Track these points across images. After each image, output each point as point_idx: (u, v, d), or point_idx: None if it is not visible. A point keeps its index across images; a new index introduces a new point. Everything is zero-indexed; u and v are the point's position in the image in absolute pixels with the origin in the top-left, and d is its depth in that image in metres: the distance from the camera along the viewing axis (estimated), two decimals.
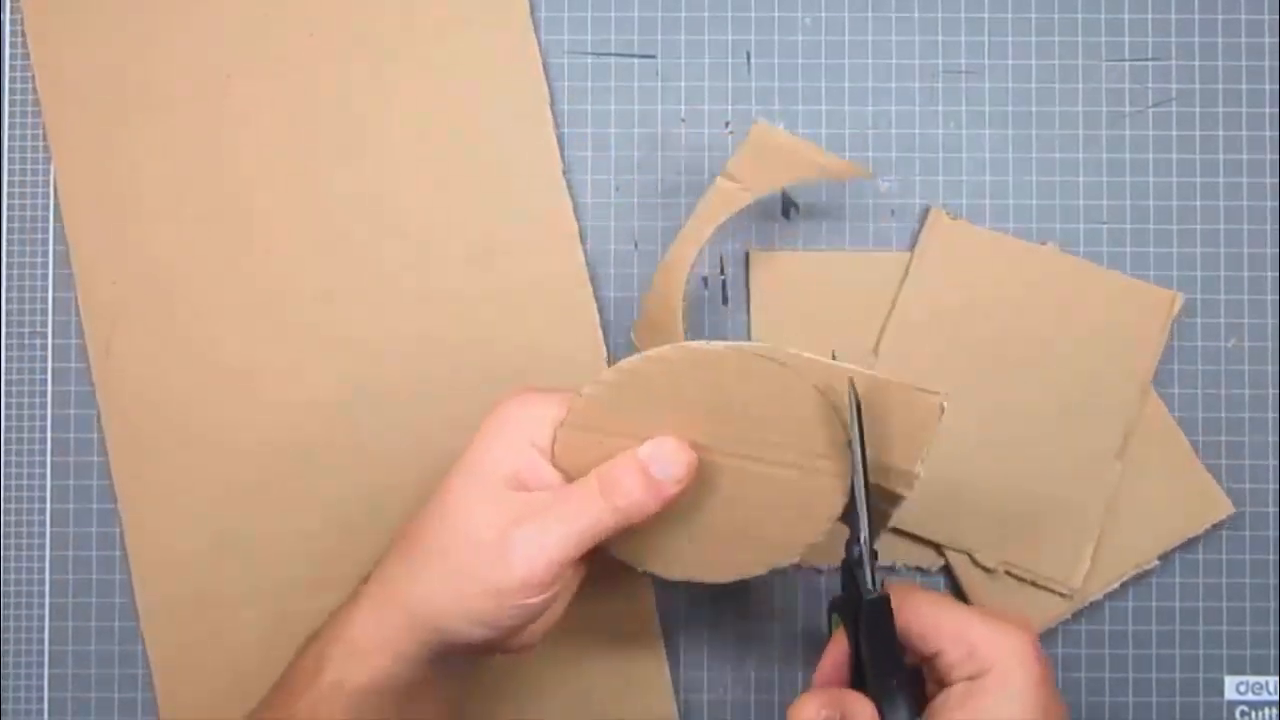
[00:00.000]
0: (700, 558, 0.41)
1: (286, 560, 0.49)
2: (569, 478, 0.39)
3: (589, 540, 0.37)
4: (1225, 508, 0.48)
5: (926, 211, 0.50)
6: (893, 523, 0.45)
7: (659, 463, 0.38)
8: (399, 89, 0.50)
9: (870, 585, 0.38)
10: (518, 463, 0.38)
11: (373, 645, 0.38)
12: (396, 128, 0.50)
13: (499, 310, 0.49)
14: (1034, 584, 0.48)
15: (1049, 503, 0.48)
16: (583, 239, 0.50)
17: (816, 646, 0.44)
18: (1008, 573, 0.48)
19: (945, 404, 0.39)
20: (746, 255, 0.50)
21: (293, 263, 0.50)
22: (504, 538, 0.37)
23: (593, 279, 0.50)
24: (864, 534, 0.38)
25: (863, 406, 0.38)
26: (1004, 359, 0.49)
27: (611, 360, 0.50)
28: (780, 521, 0.40)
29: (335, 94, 0.50)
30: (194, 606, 0.49)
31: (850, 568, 0.39)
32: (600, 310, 0.50)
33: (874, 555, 0.38)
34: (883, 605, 0.38)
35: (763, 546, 0.40)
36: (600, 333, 0.49)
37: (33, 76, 0.50)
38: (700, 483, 0.39)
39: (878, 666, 0.37)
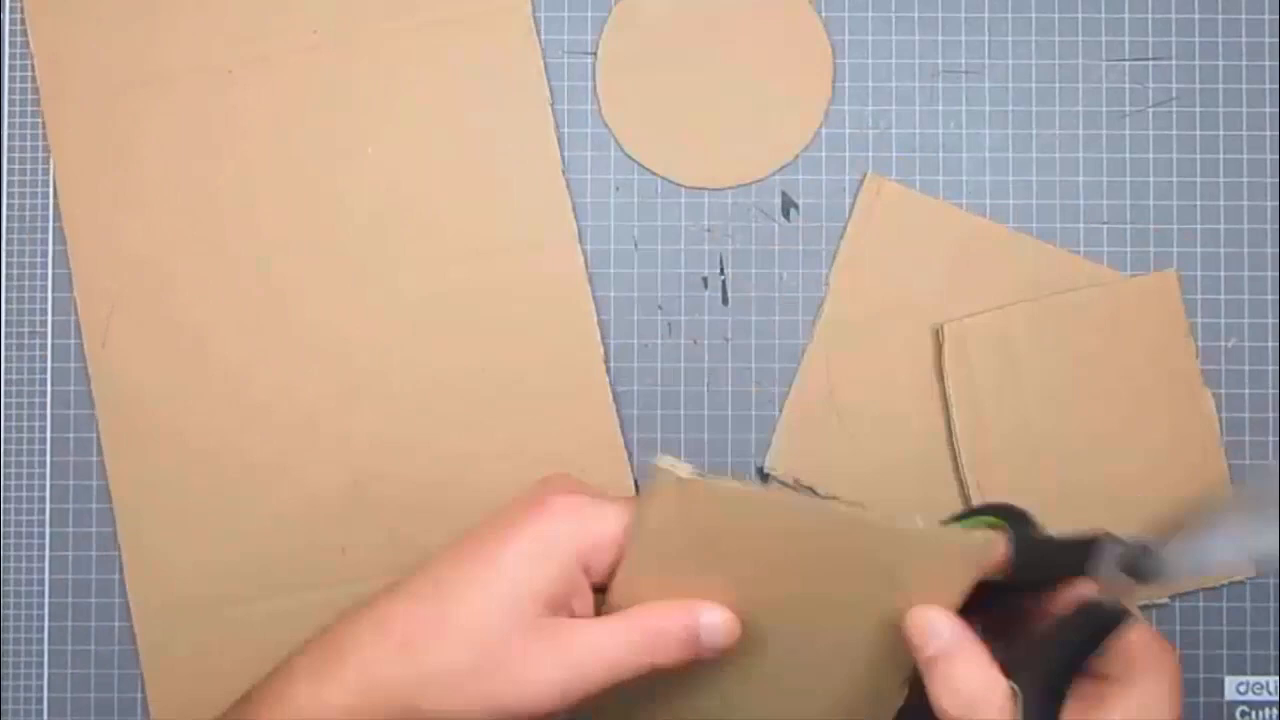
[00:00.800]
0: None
1: (275, 557, 0.49)
2: (602, 600, 0.36)
3: (612, 681, 0.35)
4: (1246, 567, 0.49)
5: (863, 178, 0.50)
6: None
7: (709, 631, 0.35)
8: (399, 87, 0.50)
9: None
10: (564, 586, 0.35)
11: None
12: (396, 125, 0.50)
13: (496, 309, 0.49)
14: None
15: None
16: (583, 239, 0.50)
17: None
18: None
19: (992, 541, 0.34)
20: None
21: (290, 257, 0.50)
22: (535, 667, 0.34)
23: (593, 279, 0.50)
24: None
25: (906, 559, 0.34)
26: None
27: (610, 364, 0.50)
28: (826, 706, 0.37)
29: (335, 89, 0.50)
30: (184, 600, 0.49)
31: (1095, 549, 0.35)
32: (600, 310, 0.50)
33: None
34: (1119, 618, 0.34)
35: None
36: (597, 334, 0.49)
37: (32, 64, 0.50)
38: (745, 643, 0.36)
39: (1059, 664, 0.34)
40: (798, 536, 0.35)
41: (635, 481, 0.49)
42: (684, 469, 0.34)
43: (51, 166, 0.50)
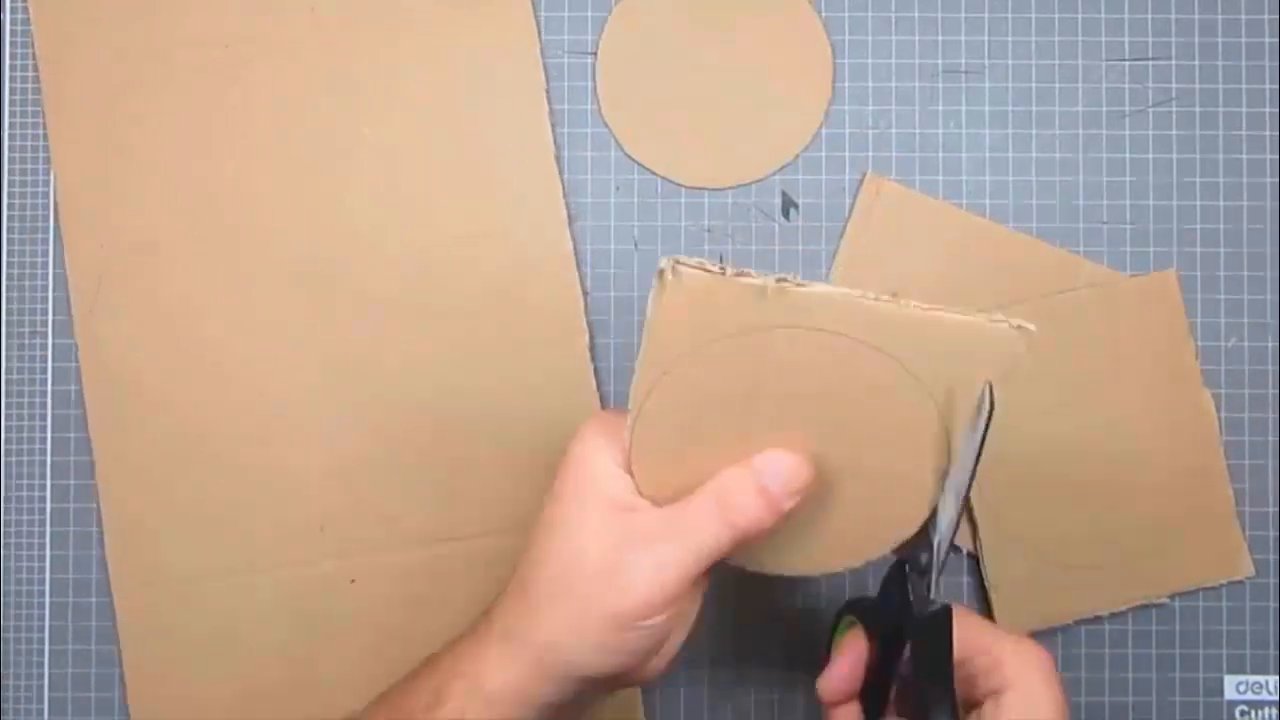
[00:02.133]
0: (791, 552, 0.39)
1: (255, 532, 0.49)
2: (661, 500, 0.37)
3: (707, 560, 0.36)
4: (1246, 569, 0.49)
5: (863, 178, 0.50)
6: None
7: (776, 478, 0.36)
8: (396, 68, 0.50)
9: (936, 594, 0.36)
10: (613, 488, 0.37)
11: (501, 687, 0.36)
12: (392, 106, 0.50)
13: (486, 293, 0.49)
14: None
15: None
16: (583, 239, 0.50)
17: (812, 649, 0.44)
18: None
19: (1032, 328, 0.35)
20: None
21: (282, 237, 0.50)
22: (620, 562, 0.35)
23: (592, 279, 0.50)
24: (940, 540, 0.36)
25: (922, 345, 0.35)
26: None
27: (610, 364, 0.50)
28: (868, 517, 0.38)
29: (332, 69, 0.50)
30: (163, 571, 0.49)
31: (900, 574, 0.37)
32: (600, 310, 0.50)
33: (944, 564, 0.37)
34: (946, 617, 0.36)
35: (852, 540, 0.38)
36: (584, 320, 0.49)
37: (33, 42, 0.50)
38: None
39: (932, 681, 0.36)
40: (805, 327, 0.35)
41: None
42: (691, 266, 0.34)
43: (52, 166, 0.50)
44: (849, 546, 0.38)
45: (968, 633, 0.37)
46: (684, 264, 0.34)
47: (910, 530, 0.37)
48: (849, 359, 0.35)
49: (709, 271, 0.34)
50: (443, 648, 0.38)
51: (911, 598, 0.37)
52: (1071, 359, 0.49)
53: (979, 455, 0.35)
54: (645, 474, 0.37)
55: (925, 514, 0.37)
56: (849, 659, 0.39)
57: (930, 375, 0.35)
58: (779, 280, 0.34)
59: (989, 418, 0.35)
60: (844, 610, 0.41)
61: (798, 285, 0.35)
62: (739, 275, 0.35)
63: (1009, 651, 0.37)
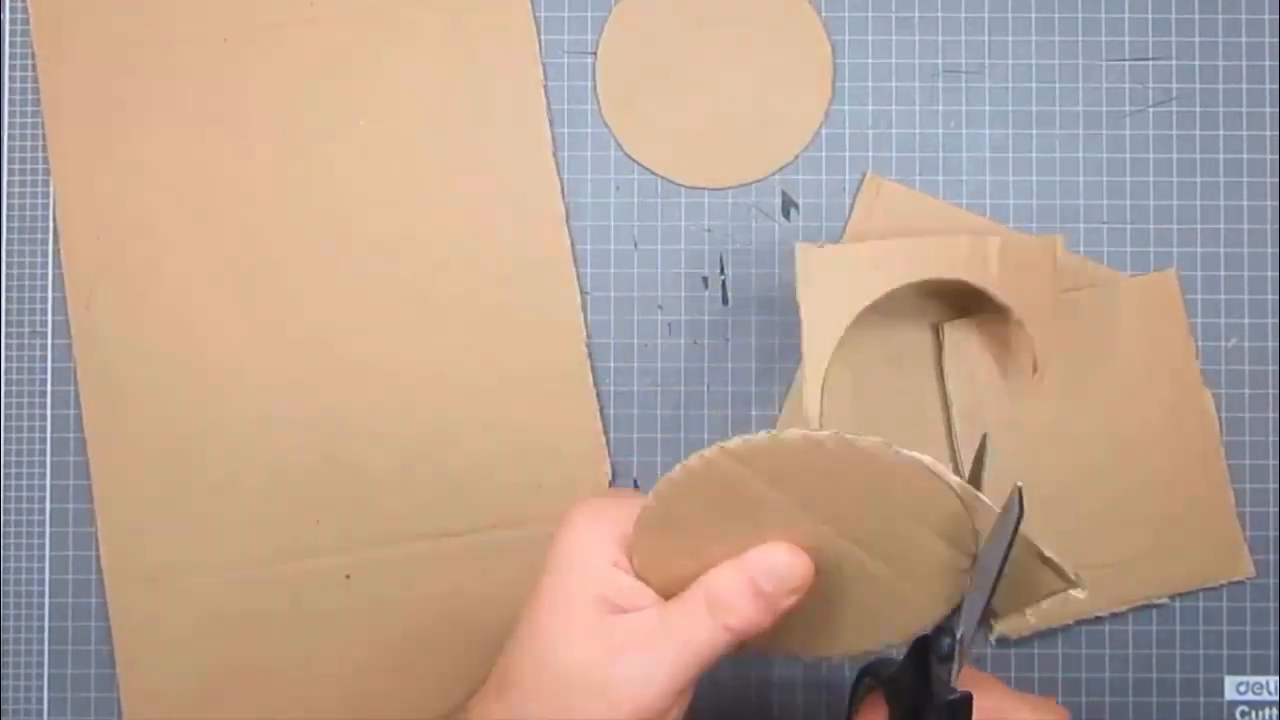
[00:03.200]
0: (797, 639, 0.37)
1: (249, 526, 0.49)
2: (660, 590, 0.35)
3: (700, 666, 0.33)
4: (1247, 569, 0.49)
5: (863, 177, 0.50)
6: None
7: (770, 575, 0.33)
8: (393, 60, 0.50)
9: (955, 682, 0.35)
10: (604, 585, 0.34)
11: None
12: (389, 99, 0.50)
13: (484, 292, 0.49)
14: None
15: None
16: (582, 239, 0.50)
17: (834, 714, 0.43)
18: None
19: (1080, 594, 0.35)
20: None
21: (276, 229, 0.50)
22: (608, 676, 0.33)
23: (591, 279, 0.50)
24: (964, 633, 0.35)
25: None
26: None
27: (610, 364, 0.50)
28: (883, 611, 0.36)
29: (329, 62, 0.50)
30: (157, 565, 0.49)
31: (922, 654, 0.36)
32: (600, 310, 0.50)
33: (964, 652, 0.35)
34: (966, 706, 0.35)
35: (866, 632, 0.36)
36: (580, 316, 0.49)
37: (31, 39, 0.50)
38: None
39: None
40: (829, 473, 0.34)
41: (611, 465, 0.49)
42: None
43: (48, 152, 0.50)
44: (861, 638, 0.37)
45: (987, 702, 0.36)
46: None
47: (925, 626, 0.36)
48: (879, 459, 0.34)
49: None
50: None
51: (932, 682, 0.35)
52: (1070, 358, 0.48)
53: (1006, 557, 0.33)
54: (646, 556, 0.35)
55: (943, 612, 0.36)
56: None
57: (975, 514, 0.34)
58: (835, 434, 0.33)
59: (1018, 522, 0.33)
60: (865, 673, 0.40)
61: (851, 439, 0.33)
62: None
63: (1028, 718, 0.36)
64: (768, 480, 0.34)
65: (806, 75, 0.50)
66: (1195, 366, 0.49)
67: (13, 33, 0.51)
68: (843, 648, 0.37)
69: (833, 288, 0.45)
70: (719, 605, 0.33)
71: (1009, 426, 0.48)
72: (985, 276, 0.45)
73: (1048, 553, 0.34)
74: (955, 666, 0.35)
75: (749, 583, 0.33)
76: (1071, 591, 0.35)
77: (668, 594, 0.34)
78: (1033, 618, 0.47)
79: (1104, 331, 0.49)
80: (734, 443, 0.33)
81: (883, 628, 0.36)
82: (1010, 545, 0.33)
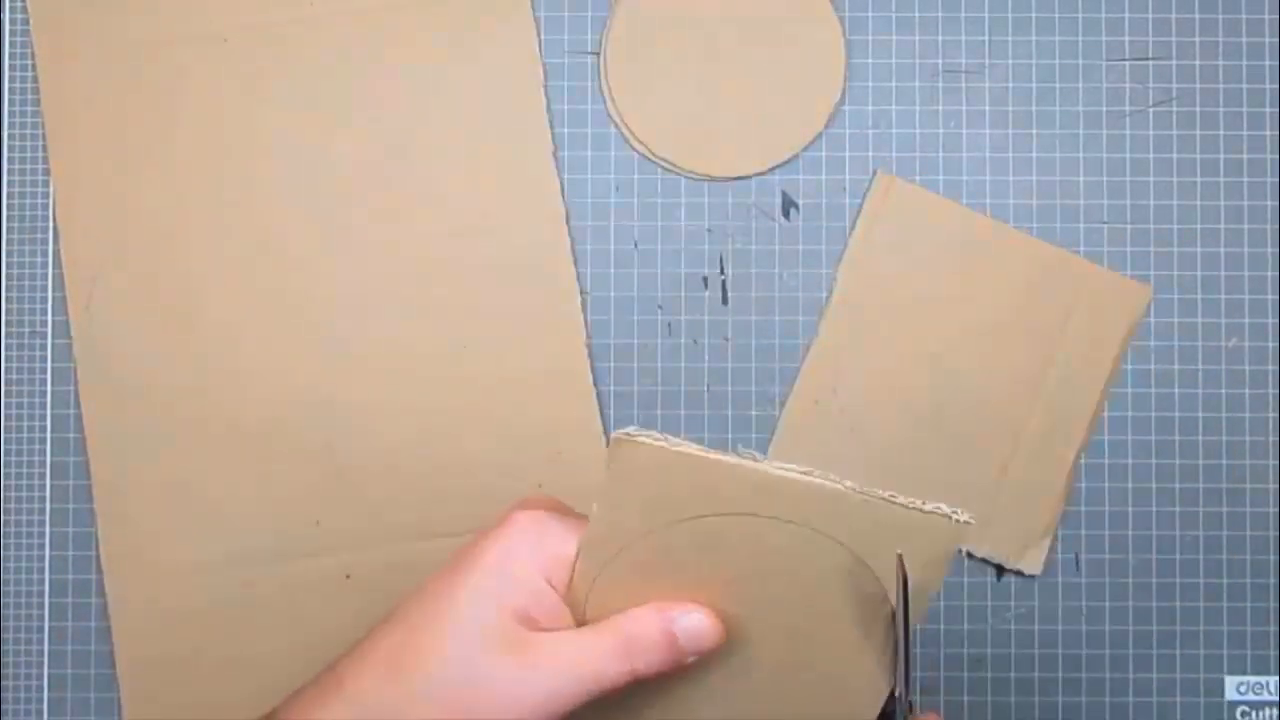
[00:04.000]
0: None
1: (249, 526, 0.49)
2: (576, 609, 0.36)
3: (595, 693, 0.34)
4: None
5: (873, 176, 0.50)
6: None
7: (687, 631, 0.35)
8: (393, 59, 0.50)
9: None
10: (528, 599, 0.35)
11: None
12: (389, 97, 0.50)
13: (484, 292, 0.49)
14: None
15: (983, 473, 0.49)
16: (582, 239, 0.50)
17: None
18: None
19: (969, 520, 0.35)
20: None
21: (278, 233, 0.50)
22: (512, 681, 0.34)
23: (591, 279, 0.50)
24: (900, 689, 0.35)
25: (872, 531, 0.34)
26: (953, 328, 0.50)
27: (610, 364, 0.50)
28: (815, 698, 0.37)
29: (330, 60, 0.50)
30: (157, 564, 0.49)
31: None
32: (600, 310, 0.50)
33: (910, 709, 0.36)
34: None
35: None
36: (580, 314, 0.49)
37: (31, 39, 0.50)
38: (728, 644, 0.36)
39: None
40: (765, 516, 0.34)
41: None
42: (646, 436, 0.33)
43: (48, 151, 0.50)
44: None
45: None
46: (634, 437, 0.33)
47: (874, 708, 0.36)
48: (803, 545, 0.35)
49: (660, 444, 0.33)
50: (282, 701, 0.37)
51: None
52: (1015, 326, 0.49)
53: (906, 625, 0.34)
54: (579, 580, 0.35)
55: (877, 707, 0.36)
56: None
57: (879, 562, 0.35)
58: (738, 454, 0.34)
59: (904, 589, 0.34)
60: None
61: (753, 461, 0.34)
62: (693, 449, 0.34)
63: None
64: (698, 545, 0.35)
65: (815, 71, 0.50)
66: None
67: (13, 33, 0.51)
68: None
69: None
70: (635, 647, 0.34)
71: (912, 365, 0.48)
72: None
73: (927, 507, 0.34)
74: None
75: (666, 633, 0.35)
76: (960, 520, 0.34)
77: (579, 616, 0.36)
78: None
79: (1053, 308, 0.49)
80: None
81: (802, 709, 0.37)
82: (906, 608, 0.34)
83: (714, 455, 0.34)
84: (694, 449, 0.34)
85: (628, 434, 0.33)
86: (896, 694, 0.36)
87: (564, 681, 0.34)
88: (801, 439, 0.49)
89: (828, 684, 0.36)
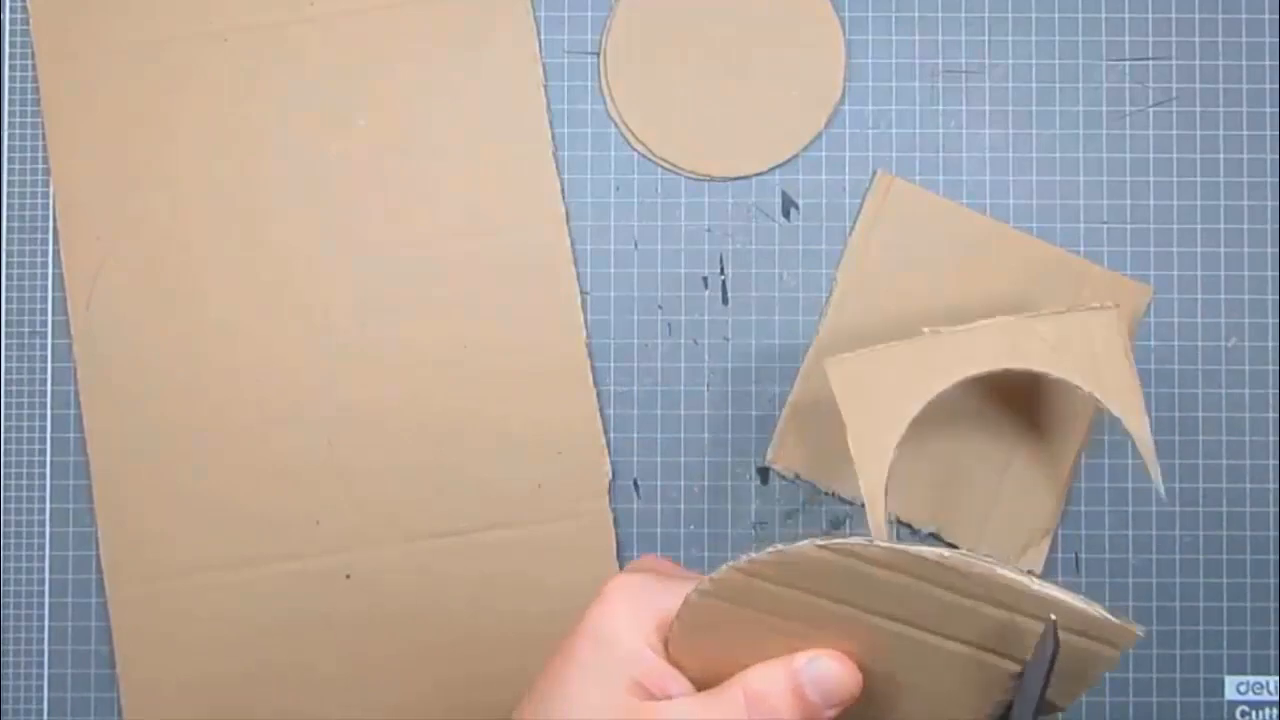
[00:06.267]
0: None
1: (249, 526, 0.49)
2: (695, 679, 0.33)
3: None
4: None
5: (873, 176, 0.50)
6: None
7: (816, 684, 0.32)
8: (393, 60, 0.50)
9: None
10: (637, 668, 0.32)
11: None
12: (388, 98, 0.50)
13: (484, 292, 0.49)
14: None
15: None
16: (582, 239, 0.50)
17: None
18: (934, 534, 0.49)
19: (1141, 631, 0.33)
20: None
21: (277, 234, 0.50)
22: None
23: (592, 279, 0.50)
24: None
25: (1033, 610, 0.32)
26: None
27: (610, 364, 0.50)
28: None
29: (329, 60, 0.50)
30: (158, 565, 0.49)
31: None
32: (600, 310, 0.50)
33: None
34: None
35: None
36: (580, 315, 0.49)
37: (31, 38, 0.50)
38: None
39: None
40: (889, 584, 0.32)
41: (611, 465, 0.49)
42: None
43: (48, 151, 0.50)
44: None
45: None
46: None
47: None
48: (950, 608, 0.32)
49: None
50: None
51: None
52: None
53: (1043, 693, 0.31)
54: (682, 642, 0.33)
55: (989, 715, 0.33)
56: None
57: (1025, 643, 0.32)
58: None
59: (1053, 657, 0.31)
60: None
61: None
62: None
63: None
64: (813, 591, 0.32)
65: (816, 71, 0.50)
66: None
67: (13, 33, 0.51)
68: None
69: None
70: (759, 705, 0.31)
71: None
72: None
73: (1094, 612, 0.31)
74: None
75: (794, 687, 0.32)
76: (1128, 630, 0.32)
77: (701, 685, 0.33)
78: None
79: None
80: (789, 551, 0.31)
81: None
82: (1048, 677, 0.31)
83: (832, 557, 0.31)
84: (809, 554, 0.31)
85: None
86: None
87: None
88: (801, 438, 0.49)
89: (930, 709, 0.33)
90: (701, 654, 0.33)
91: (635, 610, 0.33)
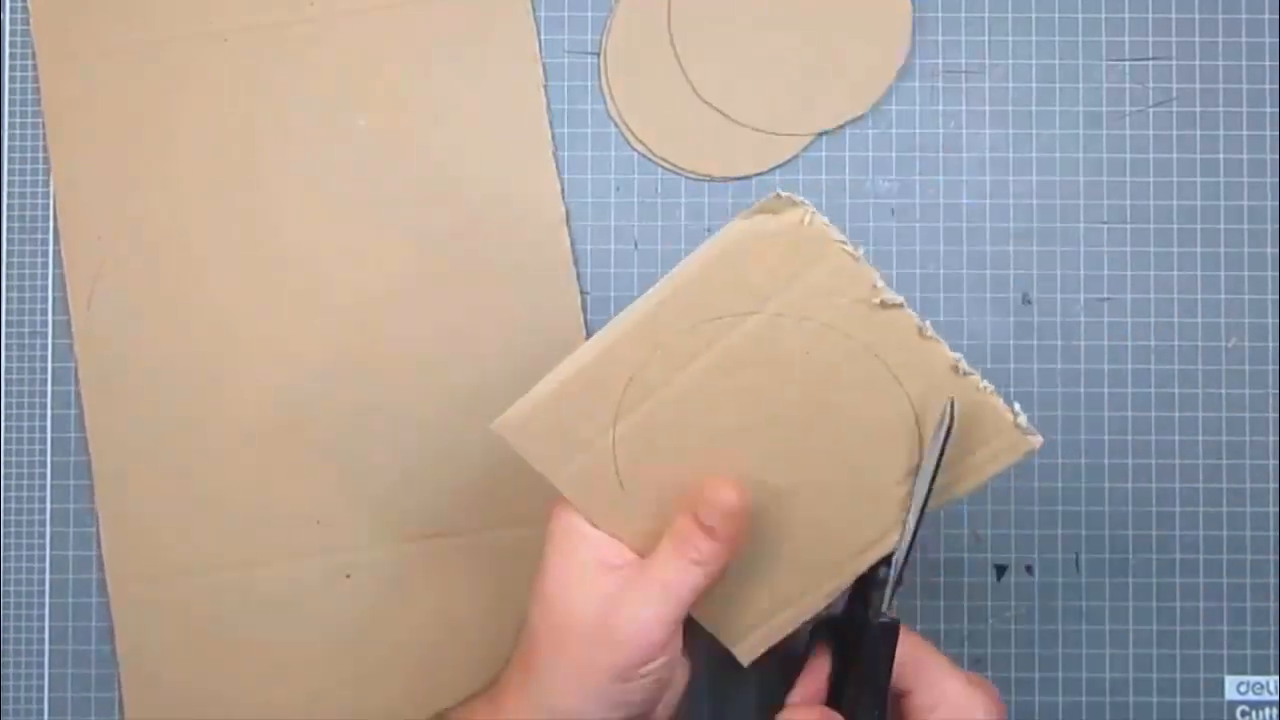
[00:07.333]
0: (766, 584, 0.40)
1: (251, 526, 0.49)
2: (645, 549, 0.40)
3: (686, 602, 0.38)
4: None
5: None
6: None
7: (713, 513, 0.38)
8: (393, 59, 0.50)
9: (888, 608, 0.38)
10: (599, 550, 0.40)
11: None
12: (389, 97, 0.50)
13: (484, 292, 0.49)
14: None
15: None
16: (582, 239, 0.50)
17: (791, 666, 0.44)
18: None
19: (1037, 446, 0.38)
20: None
21: (277, 233, 0.50)
22: (609, 619, 0.38)
23: (591, 279, 0.50)
24: (900, 557, 0.38)
25: (937, 389, 0.37)
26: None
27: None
28: (840, 535, 0.39)
29: (330, 60, 0.50)
30: (159, 565, 0.49)
31: (865, 587, 0.39)
32: (600, 310, 0.50)
33: (899, 580, 0.38)
34: (894, 630, 0.38)
35: (827, 562, 0.40)
36: (581, 316, 0.50)
37: (32, 39, 0.50)
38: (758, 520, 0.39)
39: (867, 689, 0.38)
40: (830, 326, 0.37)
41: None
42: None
43: (48, 151, 0.50)
44: (824, 569, 0.39)
45: (917, 661, 0.39)
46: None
47: (887, 547, 0.39)
48: (839, 356, 0.37)
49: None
50: (454, 704, 0.41)
51: (868, 610, 0.38)
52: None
53: (936, 472, 0.37)
54: (628, 528, 0.40)
55: (898, 527, 0.38)
56: (814, 674, 0.41)
57: (913, 386, 0.37)
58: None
59: (948, 432, 0.36)
60: (815, 629, 0.42)
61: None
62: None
63: (957, 690, 0.39)
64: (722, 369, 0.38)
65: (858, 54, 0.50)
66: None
67: (13, 33, 0.51)
68: (801, 584, 0.40)
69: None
70: (681, 544, 0.38)
71: None
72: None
73: (1019, 419, 0.37)
74: (889, 589, 0.38)
75: (695, 520, 0.38)
76: (1029, 439, 0.37)
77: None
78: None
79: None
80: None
81: (837, 561, 0.39)
82: (942, 454, 0.36)
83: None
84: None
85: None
86: (894, 559, 0.38)
87: (644, 599, 0.38)
88: None
89: (846, 506, 0.39)
90: (643, 526, 0.40)
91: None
